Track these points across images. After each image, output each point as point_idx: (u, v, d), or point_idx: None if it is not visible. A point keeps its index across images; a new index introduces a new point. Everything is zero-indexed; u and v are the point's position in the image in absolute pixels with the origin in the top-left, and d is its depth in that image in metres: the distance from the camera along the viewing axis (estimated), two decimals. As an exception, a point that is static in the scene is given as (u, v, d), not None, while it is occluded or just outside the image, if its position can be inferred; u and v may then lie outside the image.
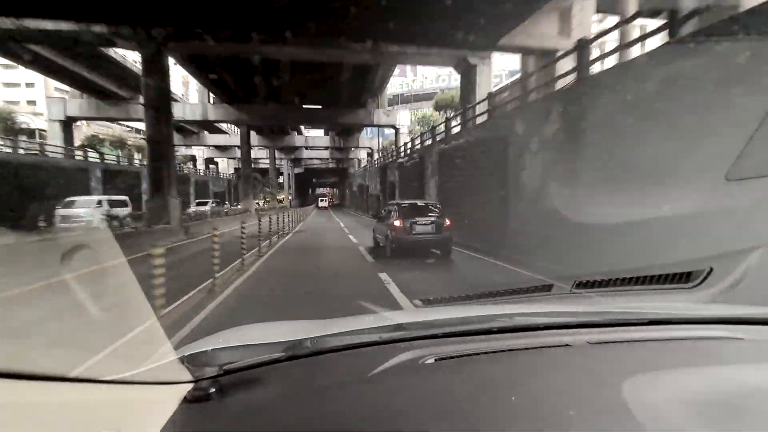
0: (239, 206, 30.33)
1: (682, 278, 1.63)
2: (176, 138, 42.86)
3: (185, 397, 0.67)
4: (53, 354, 1.17)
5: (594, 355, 0.87)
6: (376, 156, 41.87)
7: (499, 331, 0.97)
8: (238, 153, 59.82)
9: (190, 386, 0.70)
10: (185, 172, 37.56)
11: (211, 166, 55.68)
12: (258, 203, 34.35)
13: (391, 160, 25.78)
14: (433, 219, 8.23)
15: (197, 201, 24.42)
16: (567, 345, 0.89)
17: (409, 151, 20.95)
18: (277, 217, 13.54)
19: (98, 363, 0.94)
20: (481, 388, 0.72)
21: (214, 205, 24.00)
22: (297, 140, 45.94)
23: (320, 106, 29.92)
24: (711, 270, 1.59)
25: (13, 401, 0.60)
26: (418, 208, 8.65)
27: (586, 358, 0.85)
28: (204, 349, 0.92)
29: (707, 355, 0.88)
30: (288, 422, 0.63)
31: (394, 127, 31.21)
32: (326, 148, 55.79)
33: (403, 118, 31.22)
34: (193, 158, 54.93)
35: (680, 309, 1.30)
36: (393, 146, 34.38)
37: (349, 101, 29.37)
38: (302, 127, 49.64)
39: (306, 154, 58.18)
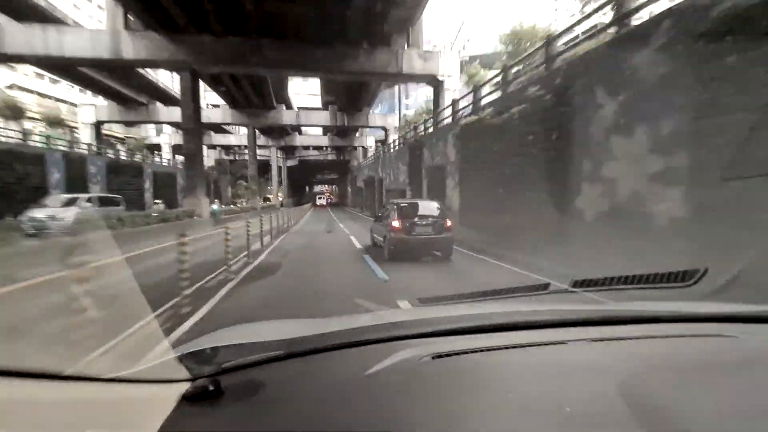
0: (193, 208, 18.72)
1: (677, 277, 1.54)
2: (115, 112, 31.49)
3: (183, 395, 0.66)
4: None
5: (589, 352, 0.88)
6: (393, 136, 30.70)
7: (496, 328, 0.97)
8: (221, 140, 48.16)
9: (189, 384, 0.69)
10: (137, 160, 27.40)
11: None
12: (218, 203, 22.99)
13: (439, 125, 14.43)
14: (433, 219, 7.65)
15: (69, 198, 12.23)
16: (563, 342, 0.90)
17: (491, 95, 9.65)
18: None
19: (96, 361, 0.91)
20: (479, 386, 0.73)
21: (90, 204, 12.08)
22: (286, 117, 34.17)
23: (314, 44, 18.10)
24: (707, 269, 1.52)
25: (10, 399, 0.59)
26: (418, 208, 8.02)
27: (582, 356, 0.86)
28: (202, 347, 0.90)
29: (702, 353, 0.88)
30: (286, 420, 0.63)
31: (435, 80, 19.63)
32: (325, 131, 44.28)
33: (450, 64, 19.56)
34: (156, 146, 43.41)
35: (675, 307, 1.28)
36: (424, 117, 22.96)
37: (363, 33, 17.79)
38: (293, 102, 37.94)
39: (300, 140, 46.68)
